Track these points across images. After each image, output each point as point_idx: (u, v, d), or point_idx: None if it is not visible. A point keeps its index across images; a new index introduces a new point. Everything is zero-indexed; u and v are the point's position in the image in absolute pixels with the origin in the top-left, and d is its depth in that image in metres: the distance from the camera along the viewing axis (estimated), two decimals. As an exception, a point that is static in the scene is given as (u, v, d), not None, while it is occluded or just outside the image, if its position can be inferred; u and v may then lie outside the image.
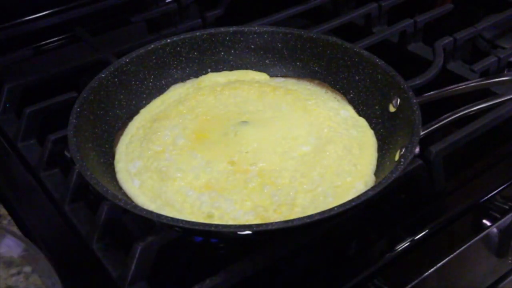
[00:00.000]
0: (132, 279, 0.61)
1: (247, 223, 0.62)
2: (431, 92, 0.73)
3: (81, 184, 0.70)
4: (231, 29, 0.83)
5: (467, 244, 0.70)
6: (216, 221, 0.63)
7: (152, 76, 0.80)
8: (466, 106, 0.70)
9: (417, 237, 0.69)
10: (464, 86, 0.74)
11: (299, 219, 0.56)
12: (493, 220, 0.73)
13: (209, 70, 0.84)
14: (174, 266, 0.66)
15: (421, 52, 0.98)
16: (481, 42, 1.01)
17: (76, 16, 1.04)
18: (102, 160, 0.69)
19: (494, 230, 0.73)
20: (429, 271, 0.66)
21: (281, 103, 0.77)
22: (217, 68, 0.84)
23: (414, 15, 1.00)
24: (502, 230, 0.74)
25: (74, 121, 0.67)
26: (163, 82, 0.81)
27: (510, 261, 0.79)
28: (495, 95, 0.78)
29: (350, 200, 0.58)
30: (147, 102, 0.79)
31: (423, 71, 0.86)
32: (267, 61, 0.84)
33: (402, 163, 0.61)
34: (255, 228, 0.56)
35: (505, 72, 0.91)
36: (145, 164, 0.69)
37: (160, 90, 0.81)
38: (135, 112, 0.78)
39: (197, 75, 0.83)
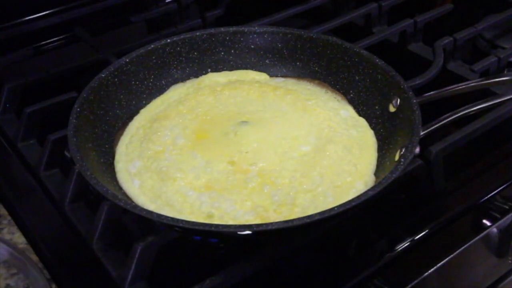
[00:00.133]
0: (132, 279, 0.61)
1: (247, 223, 0.62)
2: (431, 92, 0.73)
3: (81, 184, 0.70)
4: (231, 29, 0.83)
5: (467, 244, 0.70)
6: (216, 221, 0.63)
7: (152, 76, 0.80)
8: (466, 106, 0.70)
9: (417, 237, 0.68)
10: (464, 86, 0.74)
11: (299, 219, 0.56)
12: (493, 220, 0.73)
13: (209, 70, 0.83)
14: (174, 266, 0.66)
15: (421, 52, 0.98)
16: (481, 42, 1.01)
17: (76, 16, 1.04)
18: (102, 160, 0.69)
19: (494, 230, 0.73)
20: (429, 271, 0.66)
21: (281, 103, 0.77)
22: (217, 68, 0.84)
23: (414, 15, 1.00)
24: (502, 230, 0.74)
25: (74, 121, 0.67)
26: (163, 82, 0.81)
27: (510, 261, 0.79)
28: (495, 95, 0.78)
29: (350, 200, 0.58)
30: (147, 102, 0.79)
31: (423, 71, 0.86)
32: (267, 61, 0.84)
33: (402, 163, 0.61)
34: (255, 228, 0.56)
35: (505, 72, 0.91)
36: (145, 164, 0.69)
37: (160, 90, 0.81)
38: (135, 112, 0.78)
39: (197, 75, 0.83)
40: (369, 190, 0.59)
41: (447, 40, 0.93)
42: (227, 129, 0.73)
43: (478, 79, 0.82)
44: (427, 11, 1.01)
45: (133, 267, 0.61)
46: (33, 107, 0.82)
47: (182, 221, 0.57)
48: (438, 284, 0.70)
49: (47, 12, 1.06)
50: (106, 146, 0.72)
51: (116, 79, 0.76)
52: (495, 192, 0.74)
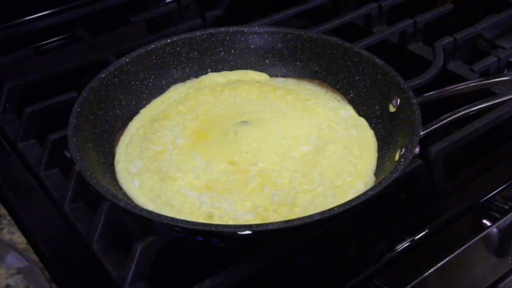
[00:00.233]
0: (132, 279, 0.61)
1: (247, 223, 0.62)
2: (431, 92, 0.73)
3: (81, 184, 0.70)
4: (231, 29, 0.83)
5: (467, 244, 0.70)
6: (216, 221, 0.63)
7: (152, 76, 0.80)
8: (466, 106, 0.70)
9: (417, 237, 0.68)
10: (464, 86, 0.74)
11: (299, 219, 0.56)
12: (493, 220, 0.73)
13: (209, 70, 0.83)
14: (174, 266, 0.66)
15: (421, 52, 0.98)
16: (481, 42, 1.01)
17: (76, 16, 1.04)
18: (102, 160, 0.69)
19: (494, 230, 0.73)
20: (429, 271, 0.66)
21: (281, 103, 0.77)
22: (217, 68, 0.84)
23: (414, 15, 1.00)
24: (502, 230, 0.74)
25: (74, 121, 0.67)
26: (163, 82, 0.81)
27: (510, 261, 0.79)
28: (495, 95, 0.78)
29: (350, 200, 0.58)
30: (147, 102, 0.79)
31: (423, 71, 0.86)
32: (267, 61, 0.84)
33: (402, 163, 0.61)
34: (255, 228, 0.56)
35: (505, 72, 0.91)
36: (145, 164, 0.69)
37: (160, 90, 0.81)
38: (135, 112, 0.78)
39: (197, 75, 0.83)
40: (369, 190, 0.59)
41: (447, 40, 0.93)
42: (227, 129, 0.73)
43: (478, 79, 0.82)
44: (427, 11, 1.01)
45: (133, 267, 0.61)
46: (33, 107, 0.82)
47: (182, 221, 0.57)
48: (438, 284, 0.70)
49: (47, 12, 1.06)
50: (106, 146, 0.72)
51: (116, 79, 0.76)
52: (495, 192, 0.74)
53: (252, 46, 0.84)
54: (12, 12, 1.04)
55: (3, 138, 0.84)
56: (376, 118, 0.75)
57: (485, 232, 0.72)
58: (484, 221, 0.73)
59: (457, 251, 0.69)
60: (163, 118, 0.75)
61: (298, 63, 0.83)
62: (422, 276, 0.66)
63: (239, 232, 0.57)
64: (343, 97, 0.79)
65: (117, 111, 0.76)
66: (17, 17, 1.04)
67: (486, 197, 0.74)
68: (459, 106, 0.70)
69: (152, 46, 0.80)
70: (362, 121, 0.75)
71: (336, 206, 0.57)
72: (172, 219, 0.57)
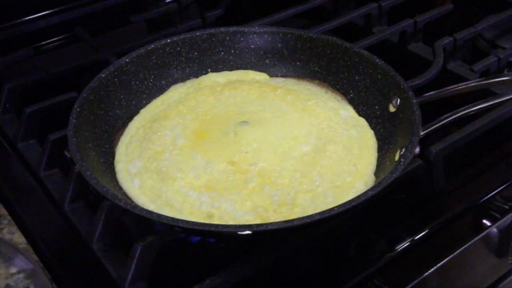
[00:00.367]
0: (132, 279, 0.61)
1: (247, 223, 0.62)
2: (431, 92, 0.73)
3: (81, 184, 0.70)
4: (231, 29, 0.83)
5: (467, 244, 0.70)
6: (216, 221, 0.63)
7: (152, 76, 0.80)
8: (466, 106, 0.70)
9: (417, 237, 0.68)
10: (464, 86, 0.74)
11: (299, 219, 0.56)
12: (493, 220, 0.73)
13: (209, 70, 0.83)
14: (174, 266, 0.66)
15: (421, 52, 0.98)
16: (481, 42, 1.01)
17: (76, 16, 1.04)
18: (102, 160, 0.69)
19: (494, 230, 0.73)
20: (429, 271, 0.66)
21: (281, 103, 0.77)
22: (217, 68, 0.84)
23: (414, 15, 1.00)
24: (502, 230, 0.74)
25: (74, 121, 0.67)
26: (163, 82, 0.81)
27: (510, 261, 0.79)
28: (495, 95, 0.78)
29: (350, 200, 0.58)
30: (147, 102, 0.79)
31: (423, 71, 0.86)
32: (267, 61, 0.84)
33: (402, 163, 0.61)
34: (255, 228, 0.56)
35: (505, 72, 0.91)
36: (145, 164, 0.69)
37: (160, 90, 0.81)
38: (135, 112, 0.78)
39: (197, 75, 0.83)
40: (369, 190, 0.59)
41: (447, 40, 0.93)
42: (227, 129, 0.73)
43: (478, 79, 0.82)
44: (427, 11, 1.01)
45: (133, 267, 0.61)
46: (33, 107, 0.82)
47: (182, 221, 0.57)
48: (438, 284, 0.70)
49: (47, 12, 1.06)
50: (106, 146, 0.72)
51: (116, 79, 0.76)
52: (495, 192, 0.74)
53: (252, 46, 0.84)
54: (12, 12, 1.04)
55: (3, 138, 0.84)
56: (376, 118, 0.75)
57: (485, 232, 0.72)
58: (484, 221, 0.73)
59: (457, 251, 0.68)
60: (163, 118, 0.75)
61: (298, 63, 0.83)
62: (422, 276, 0.66)
63: (239, 232, 0.57)
64: (343, 97, 0.79)
65: (117, 111, 0.76)
66: (17, 17, 1.04)
67: (486, 197, 0.74)
68: (459, 106, 0.70)
69: (152, 46, 0.80)
70: (362, 121, 0.75)
71: (336, 206, 0.57)
72: (172, 219, 0.57)
